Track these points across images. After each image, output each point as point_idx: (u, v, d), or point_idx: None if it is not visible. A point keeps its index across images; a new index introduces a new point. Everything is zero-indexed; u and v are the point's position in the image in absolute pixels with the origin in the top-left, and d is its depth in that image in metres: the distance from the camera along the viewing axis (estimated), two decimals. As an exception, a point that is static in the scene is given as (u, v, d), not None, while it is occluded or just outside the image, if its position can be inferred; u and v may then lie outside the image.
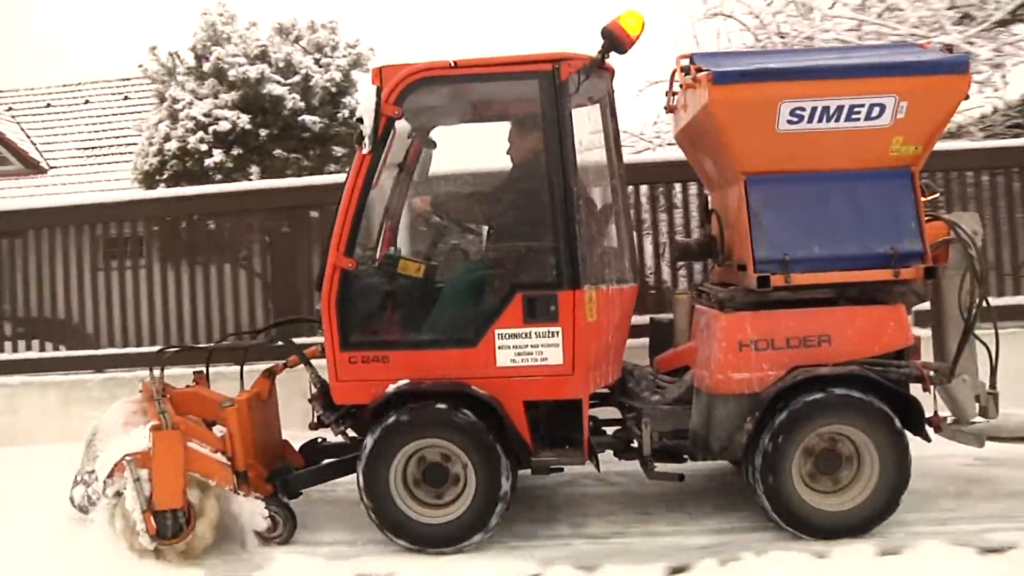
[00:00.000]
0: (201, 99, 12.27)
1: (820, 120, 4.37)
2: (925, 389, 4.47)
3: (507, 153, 4.81)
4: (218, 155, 11.79)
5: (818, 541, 4.23)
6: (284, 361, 5.02)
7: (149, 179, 12.45)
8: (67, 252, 7.67)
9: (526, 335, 4.34)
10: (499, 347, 4.35)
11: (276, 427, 5.11)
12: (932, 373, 4.48)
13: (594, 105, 4.76)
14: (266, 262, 7.72)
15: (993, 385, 4.80)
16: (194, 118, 12.08)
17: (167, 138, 12.22)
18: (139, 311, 7.52)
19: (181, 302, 7.46)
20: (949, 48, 4.50)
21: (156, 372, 4.75)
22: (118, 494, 4.24)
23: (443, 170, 5.27)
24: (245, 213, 7.54)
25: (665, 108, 5.26)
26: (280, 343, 4.99)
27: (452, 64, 4.42)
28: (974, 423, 4.77)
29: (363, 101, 4.34)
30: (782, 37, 10.03)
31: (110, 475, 4.25)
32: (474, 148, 5.22)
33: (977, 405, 4.77)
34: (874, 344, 4.39)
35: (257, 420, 4.75)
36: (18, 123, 19.56)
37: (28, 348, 7.68)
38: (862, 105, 4.34)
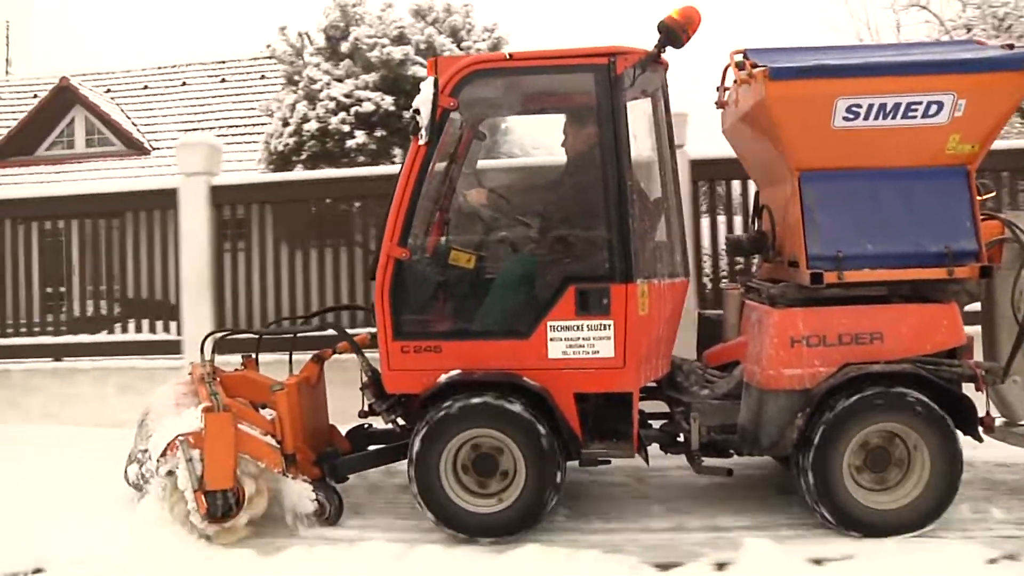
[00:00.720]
0: (339, 80, 11.87)
1: (876, 117, 4.36)
2: (978, 389, 4.44)
3: (562, 146, 4.84)
4: (361, 136, 11.32)
5: (866, 539, 4.23)
6: (333, 347, 5.07)
7: (284, 160, 11.93)
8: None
9: (578, 328, 4.35)
10: (551, 339, 4.36)
11: (324, 412, 5.16)
12: (985, 373, 4.45)
13: (648, 98, 4.76)
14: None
15: (1045, 387, 4.77)
16: (335, 99, 11.62)
17: (305, 119, 11.74)
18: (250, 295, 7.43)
19: (295, 285, 7.29)
20: (1010, 45, 4.48)
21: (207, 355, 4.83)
22: (170, 473, 4.29)
23: (498, 163, 5.28)
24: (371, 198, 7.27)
25: (716, 104, 5.26)
26: (331, 330, 5.00)
27: (508, 57, 4.45)
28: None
29: (421, 92, 4.37)
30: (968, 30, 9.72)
31: (163, 454, 4.31)
32: (531, 141, 5.22)
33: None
34: (926, 342, 4.37)
35: (305, 404, 4.81)
36: (117, 104, 19.78)
37: (138, 330, 7.70)
38: (919, 103, 4.33)
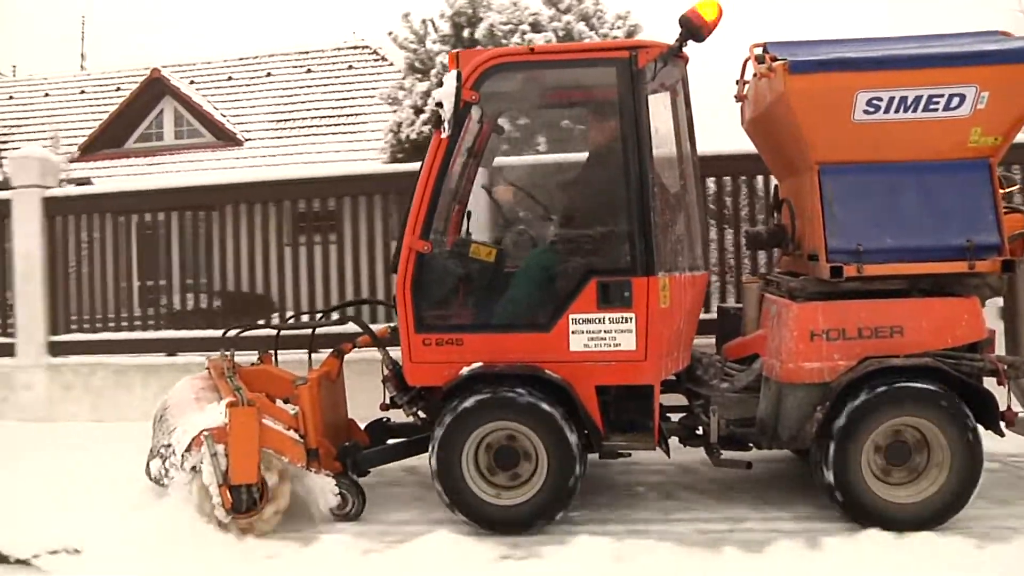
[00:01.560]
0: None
1: (897, 111, 4.35)
2: (1000, 383, 4.45)
3: (586, 139, 4.85)
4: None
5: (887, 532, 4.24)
6: (353, 342, 5.08)
7: (419, 148, 11.33)
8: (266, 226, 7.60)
9: (600, 320, 4.36)
10: (572, 332, 4.38)
11: (343, 406, 5.19)
12: (1007, 367, 4.46)
13: (668, 92, 4.76)
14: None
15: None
16: None
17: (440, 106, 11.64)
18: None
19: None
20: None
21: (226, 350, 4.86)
22: (195, 468, 4.32)
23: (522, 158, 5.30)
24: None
25: (735, 97, 5.26)
26: (353, 323, 5.02)
27: (530, 50, 4.46)
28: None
29: (443, 85, 4.38)
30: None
31: (188, 449, 4.33)
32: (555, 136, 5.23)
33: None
34: (947, 336, 4.37)
35: (326, 399, 4.82)
36: (204, 96, 19.82)
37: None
38: (941, 95, 4.32)
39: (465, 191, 5.20)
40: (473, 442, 4.39)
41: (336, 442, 4.84)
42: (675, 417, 4.96)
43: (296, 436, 4.47)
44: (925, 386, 4.25)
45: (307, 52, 20.46)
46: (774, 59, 4.49)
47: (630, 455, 4.77)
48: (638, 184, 4.32)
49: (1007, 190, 4.64)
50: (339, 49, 19.71)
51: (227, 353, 4.95)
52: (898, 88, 4.32)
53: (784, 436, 4.46)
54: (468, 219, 5.02)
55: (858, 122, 4.38)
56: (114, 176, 16.96)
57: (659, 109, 4.72)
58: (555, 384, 4.35)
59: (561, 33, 11.87)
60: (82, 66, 27.35)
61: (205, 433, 4.30)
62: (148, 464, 4.76)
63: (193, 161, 18.01)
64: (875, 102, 4.35)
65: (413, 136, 11.79)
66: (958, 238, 4.38)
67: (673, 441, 4.82)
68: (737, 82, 5.21)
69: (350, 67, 19.31)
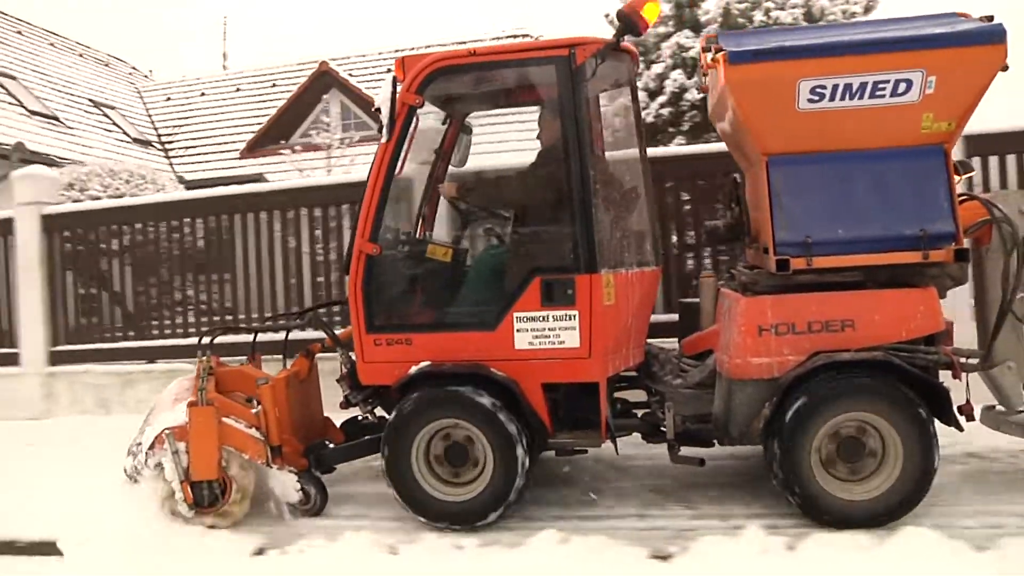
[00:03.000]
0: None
1: (843, 98, 4.24)
2: (955, 376, 4.31)
3: (536, 138, 4.88)
4: None
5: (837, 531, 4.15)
6: (322, 342, 5.24)
7: (658, 132, 11.04)
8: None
9: (544, 319, 4.40)
10: (517, 330, 4.42)
11: (317, 404, 5.34)
12: (963, 360, 4.31)
13: (619, 89, 4.75)
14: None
15: (1045, 374, 4.59)
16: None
17: (683, 88, 10.95)
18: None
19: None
20: (990, 17, 4.29)
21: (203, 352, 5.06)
22: (159, 465, 4.54)
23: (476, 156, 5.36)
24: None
25: (698, 89, 5.20)
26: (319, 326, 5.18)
27: (471, 52, 4.51)
28: (1021, 412, 4.57)
29: (380, 91, 4.47)
30: None
31: (151, 447, 4.55)
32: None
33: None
34: (901, 329, 4.25)
35: (296, 398, 4.99)
36: (367, 89, 19.76)
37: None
38: (887, 81, 4.20)
39: (434, 192, 5.30)
40: (421, 439, 4.48)
41: (309, 439, 5.01)
42: (641, 413, 4.95)
43: (257, 434, 4.64)
44: (874, 380, 4.15)
45: (463, 43, 19.91)
46: (719, 49, 4.44)
47: (586, 452, 4.79)
48: (579, 182, 4.33)
49: (964, 176, 4.48)
50: (498, 39, 18.93)
51: (204, 356, 5.15)
52: (841, 75, 4.21)
53: (734, 433, 4.40)
54: (423, 220, 5.10)
55: (803, 111, 4.28)
56: (285, 171, 16.83)
57: (610, 106, 4.73)
58: (501, 382, 4.40)
59: (801, 11, 11.33)
60: (224, 65, 28.02)
61: (167, 432, 4.52)
62: (124, 462, 5.00)
63: (361, 154, 16.73)
64: (819, 90, 4.25)
65: (651, 119, 10.95)
66: (912, 228, 4.25)
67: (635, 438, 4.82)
68: (699, 74, 5.15)
69: None
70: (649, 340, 5.04)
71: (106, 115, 19.62)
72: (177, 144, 20.21)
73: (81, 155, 15.30)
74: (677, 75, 11.02)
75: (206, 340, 5.15)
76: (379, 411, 4.89)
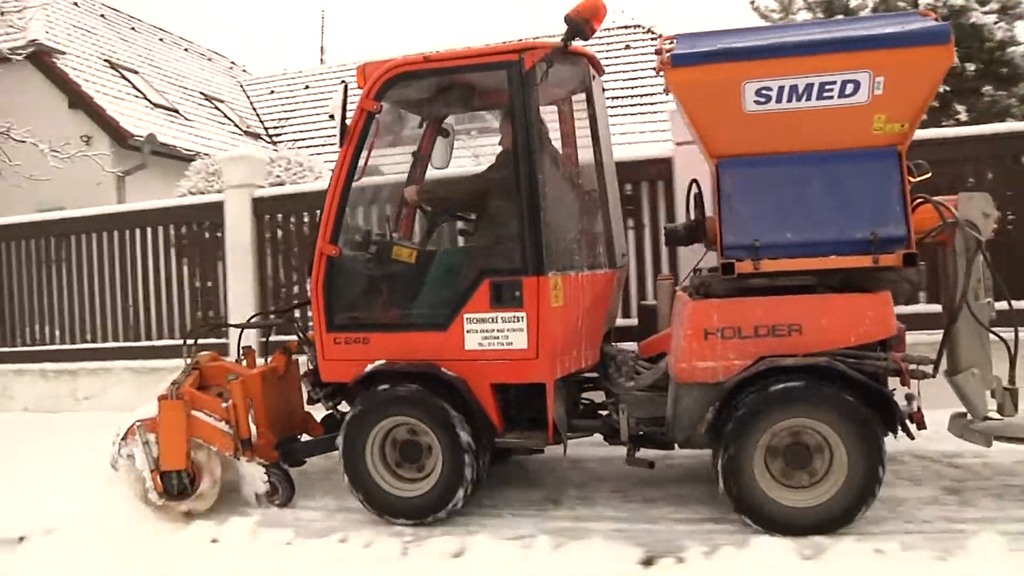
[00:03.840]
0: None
1: (790, 100, 4.18)
2: (903, 383, 4.20)
3: (499, 143, 4.95)
4: None
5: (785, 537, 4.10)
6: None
7: None
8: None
9: (493, 320, 4.47)
10: (468, 331, 4.50)
11: (296, 399, 5.51)
12: (914, 366, 4.20)
13: (572, 93, 4.78)
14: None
15: (1012, 381, 4.43)
16: None
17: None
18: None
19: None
20: (946, 17, 4.17)
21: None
22: (131, 456, 4.79)
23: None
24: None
25: (664, 91, 5.17)
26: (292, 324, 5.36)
27: (424, 59, 4.61)
28: (987, 420, 4.43)
29: (333, 99, 4.61)
30: None
31: (124, 438, 4.81)
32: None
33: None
34: (849, 334, 4.17)
35: (273, 393, 5.18)
36: None
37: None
38: (833, 82, 4.12)
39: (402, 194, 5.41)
40: (375, 436, 4.61)
41: (287, 433, 5.21)
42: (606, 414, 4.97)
43: (226, 427, 4.85)
44: (817, 387, 4.09)
45: (555, 36, 19.44)
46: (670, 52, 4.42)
47: (542, 451, 4.84)
48: (528, 185, 4.38)
49: (920, 178, 4.35)
50: (609, 29, 18.72)
51: (189, 345, 5.39)
52: (786, 76, 4.15)
53: (679, 437, 4.40)
54: (390, 221, 5.21)
55: (751, 113, 4.24)
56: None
57: (570, 109, 4.76)
58: (451, 381, 4.50)
59: None
60: (321, 60, 28.11)
61: (137, 423, 4.77)
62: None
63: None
64: (764, 92, 4.20)
65: None
66: (862, 231, 4.17)
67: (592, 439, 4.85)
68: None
69: (627, 47, 18.57)
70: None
71: (217, 108, 20.01)
72: (286, 136, 20.38)
73: (203, 147, 15.67)
74: None
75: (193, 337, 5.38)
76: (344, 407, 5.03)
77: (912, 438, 4.20)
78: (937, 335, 4.48)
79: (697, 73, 4.24)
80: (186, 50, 22.74)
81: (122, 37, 19.50)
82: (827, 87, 4.14)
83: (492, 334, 4.48)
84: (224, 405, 4.89)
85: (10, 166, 11.19)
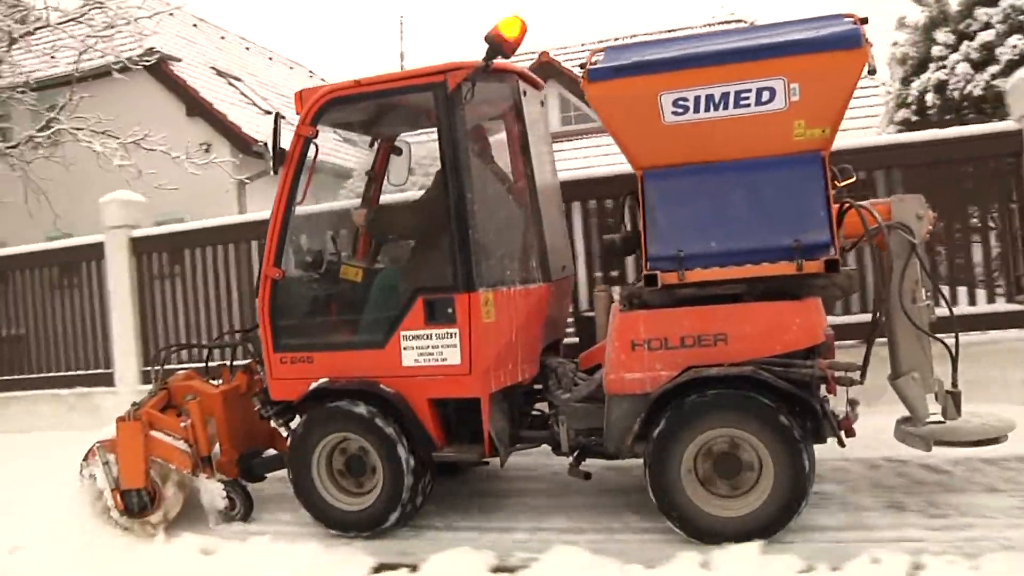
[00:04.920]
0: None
1: (707, 109, 4.19)
2: (830, 391, 4.16)
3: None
4: None
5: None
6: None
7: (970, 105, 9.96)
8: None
9: (428, 336, 4.55)
10: (404, 348, 4.58)
11: (260, 416, 5.64)
12: (840, 373, 4.15)
13: (503, 111, 4.83)
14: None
15: (955, 384, 4.35)
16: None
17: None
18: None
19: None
20: (864, 20, 4.10)
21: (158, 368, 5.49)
22: (92, 476, 4.98)
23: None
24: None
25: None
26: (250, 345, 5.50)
27: (356, 83, 4.70)
28: (928, 424, 4.35)
29: (266, 127, 4.73)
30: None
31: (85, 458, 5.00)
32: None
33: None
34: (775, 343, 4.14)
35: (234, 411, 5.32)
36: None
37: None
38: (748, 90, 4.12)
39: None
40: (320, 452, 4.73)
41: (251, 449, 5.35)
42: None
43: (184, 445, 5.00)
44: (740, 396, 4.08)
45: (672, 31, 18.51)
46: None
47: (487, 463, 4.90)
48: (457, 204, 4.45)
49: (845, 183, 4.30)
50: (710, 25, 18.24)
51: (156, 369, 5.57)
52: (701, 86, 4.16)
53: (610, 448, 4.42)
54: (336, 241, 5.32)
55: (670, 124, 4.25)
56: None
57: (503, 128, 4.81)
58: (389, 398, 4.58)
59: None
60: (401, 65, 28.41)
61: (97, 444, 4.96)
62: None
63: (586, 146, 16.18)
64: (681, 103, 4.21)
65: (979, 91, 9.75)
66: (786, 238, 4.14)
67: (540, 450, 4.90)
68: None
69: None
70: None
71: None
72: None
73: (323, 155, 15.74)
74: (1017, 40, 9.48)
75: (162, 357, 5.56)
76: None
77: (843, 445, 4.16)
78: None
79: (613, 87, 4.26)
80: (271, 59, 22.81)
81: (216, 46, 19.67)
82: (743, 95, 4.13)
83: (427, 350, 4.55)
84: (183, 424, 5.05)
85: (139, 179, 11.06)
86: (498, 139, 4.95)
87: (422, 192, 5.07)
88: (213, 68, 17.47)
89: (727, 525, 4.13)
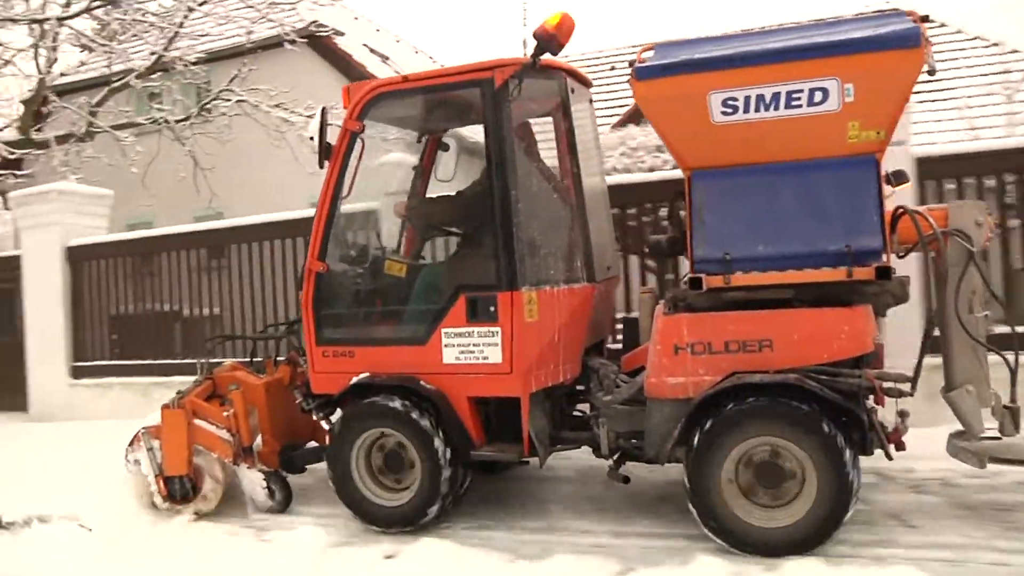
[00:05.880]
0: None
1: (757, 110, 4.08)
2: (878, 402, 4.03)
3: None
4: None
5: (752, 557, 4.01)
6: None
7: None
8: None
9: (469, 334, 4.52)
10: (445, 345, 4.57)
11: (304, 408, 5.68)
12: (890, 384, 4.02)
13: (551, 108, 4.78)
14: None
15: (1013, 399, 4.19)
16: None
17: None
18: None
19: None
20: (925, 18, 3.96)
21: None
22: (137, 461, 5.06)
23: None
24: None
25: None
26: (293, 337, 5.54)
27: (403, 79, 4.70)
28: (983, 439, 4.20)
29: (312, 121, 4.74)
30: None
31: (131, 444, 5.09)
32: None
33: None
34: (822, 351, 4.03)
35: (278, 401, 5.38)
36: None
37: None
38: (800, 91, 4.00)
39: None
40: (360, 447, 4.74)
41: (292, 441, 5.40)
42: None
43: (226, 435, 5.06)
44: (783, 404, 3.97)
45: (823, 19, 18.00)
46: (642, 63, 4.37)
47: (527, 463, 4.86)
48: (502, 201, 4.41)
49: (898, 188, 4.16)
50: (861, 15, 17.75)
51: (203, 361, 5.64)
52: (752, 86, 4.06)
53: (650, 453, 4.35)
54: (380, 236, 5.32)
55: (719, 124, 4.15)
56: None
57: (550, 125, 4.77)
58: (429, 395, 4.57)
59: None
60: (524, 52, 27.31)
61: (142, 431, 5.04)
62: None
63: None
64: (731, 102, 4.11)
65: None
66: (836, 243, 4.02)
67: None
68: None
69: None
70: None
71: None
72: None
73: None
74: None
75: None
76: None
77: (890, 458, 4.03)
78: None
79: (661, 86, 4.18)
80: (398, 41, 22.34)
81: (371, 36, 19.64)
82: (795, 96, 4.02)
83: (468, 348, 4.53)
84: (226, 414, 5.11)
85: (296, 162, 11.01)
86: (545, 136, 4.89)
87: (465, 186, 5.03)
88: (366, 45, 17.58)
89: (765, 536, 4.04)
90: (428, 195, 5.49)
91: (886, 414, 4.21)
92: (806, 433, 3.94)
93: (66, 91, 14.04)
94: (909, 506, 4.60)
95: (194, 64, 12.50)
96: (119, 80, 12.63)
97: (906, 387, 4.07)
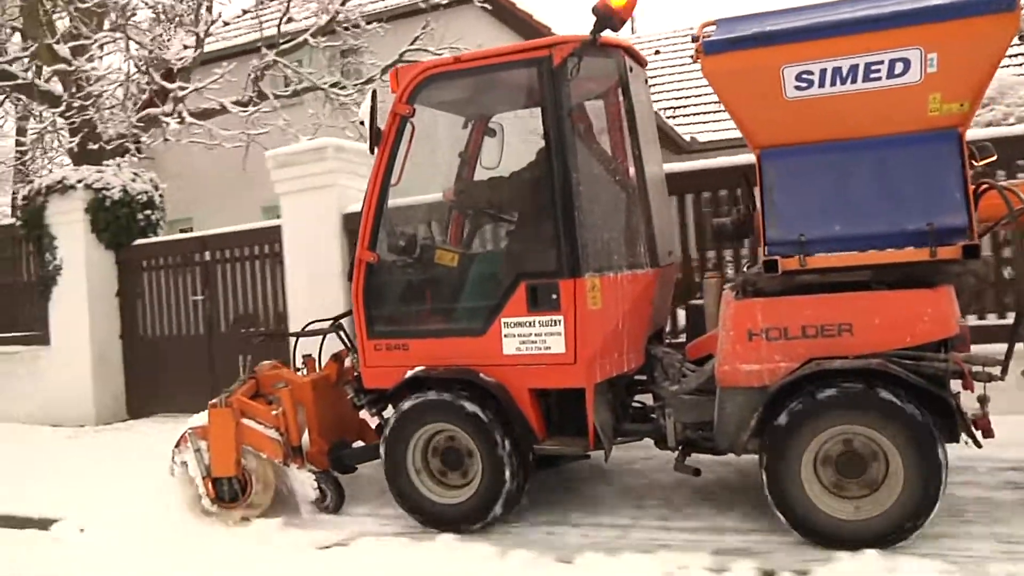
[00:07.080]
0: None
1: (834, 83, 3.90)
2: (966, 387, 3.86)
3: None
4: None
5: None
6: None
7: None
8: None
9: (530, 324, 4.36)
10: (505, 336, 4.41)
11: (350, 406, 5.51)
12: (978, 368, 3.85)
13: (609, 88, 4.61)
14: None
15: (1103, 382, 4.03)
16: None
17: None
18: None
19: None
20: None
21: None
22: (184, 463, 4.90)
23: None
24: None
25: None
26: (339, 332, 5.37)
27: (455, 59, 4.53)
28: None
29: (363, 105, 4.57)
30: None
31: (177, 445, 4.93)
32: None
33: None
34: (905, 334, 3.86)
35: (325, 400, 5.21)
36: None
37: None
38: (880, 62, 3.81)
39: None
40: (416, 443, 4.57)
41: (340, 440, 5.23)
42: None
43: (275, 434, 4.89)
44: (868, 391, 3.79)
45: None
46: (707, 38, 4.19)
47: (588, 457, 4.69)
48: (562, 185, 4.26)
49: (984, 162, 3.98)
50: None
51: (248, 358, 5.47)
52: (828, 59, 3.87)
53: (723, 444, 4.18)
54: (431, 225, 5.15)
55: (792, 99, 3.97)
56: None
57: (607, 104, 4.60)
58: (489, 387, 4.41)
59: None
60: (632, 29, 23.88)
61: (189, 431, 4.88)
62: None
63: None
64: (806, 76, 3.92)
65: None
66: (918, 222, 3.84)
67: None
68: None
69: None
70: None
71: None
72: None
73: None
74: None
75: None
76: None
77: (979, 446, 3.86)
78: None
79: (732, 60, 4.00)
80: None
81: None
82: (874, 68, 3.84)
83: (530, 338, 4.37)
84: (274, 413, 4.95)
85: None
86: (603, 118, 4.72)
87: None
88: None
89: (852, 528, 3.87)
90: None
91: (965, 400, 4.05)
92: (893, 421, 3.77)
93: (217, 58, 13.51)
94: (994, 498, 4.43)
95: (368, 24, 12.00)
96: (286, 41, 11.85)
97: (995, 371, 3.90)
